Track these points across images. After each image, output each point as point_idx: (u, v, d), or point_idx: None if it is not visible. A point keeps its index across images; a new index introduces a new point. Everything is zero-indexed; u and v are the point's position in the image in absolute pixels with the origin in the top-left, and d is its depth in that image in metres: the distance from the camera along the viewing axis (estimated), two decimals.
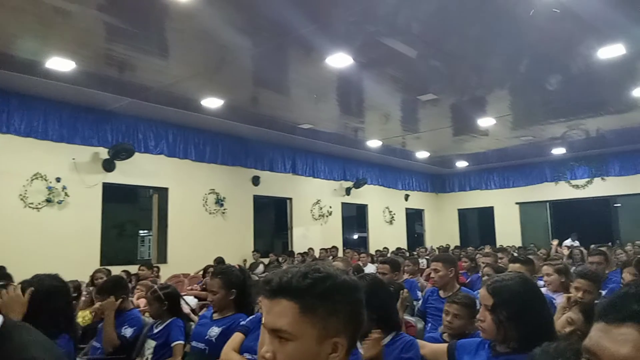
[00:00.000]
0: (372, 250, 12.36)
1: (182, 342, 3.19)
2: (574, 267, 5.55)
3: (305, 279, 1.03)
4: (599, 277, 3.48)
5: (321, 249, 10.91)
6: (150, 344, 3.28)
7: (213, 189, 10.13)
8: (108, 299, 3.41)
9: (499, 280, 1.85)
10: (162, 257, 9.24)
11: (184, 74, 7.02)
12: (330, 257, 9.76)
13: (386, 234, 14.87)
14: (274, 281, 1.05)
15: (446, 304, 2.87)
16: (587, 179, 14.22)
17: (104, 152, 8.48)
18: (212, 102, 8.20)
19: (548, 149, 12.99)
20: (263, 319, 1.06)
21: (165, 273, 8.14)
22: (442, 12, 5.50)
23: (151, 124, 9.19)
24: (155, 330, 3.34)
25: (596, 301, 2.89)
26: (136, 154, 8.65)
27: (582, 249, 8.76)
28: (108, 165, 8.51)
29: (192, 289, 6.26)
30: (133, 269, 7.53)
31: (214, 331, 2.86)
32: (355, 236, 15.62)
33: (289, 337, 1.01)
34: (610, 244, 9.09)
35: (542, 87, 8.11)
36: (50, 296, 2.23)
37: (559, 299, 3.49)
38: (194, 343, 2.99)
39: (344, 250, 11.94)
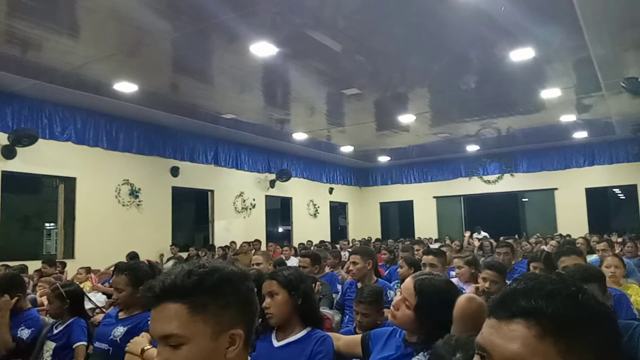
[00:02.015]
0: (296, 244, 12.38)
1: (84, 343, 3.02)
2: (483, 258, 5.87)
3: (191, 276, 0.99)
4: (505, 268, 3.67)
5: (243, 243, 10.74)
6: (50, 345, 3.08)
7: (127, 180, 9.57)
8: (2, 298, 3.12)
9: (427, 279, 1.86)
10: (70, 252, 8.61)
11: (95, 55, 6.55)
12: (253, 251, 9.63)
13: (310, 227, 14.96)
14: (156, 286, 1.00)
15: (355, 302, 2.90)
16: (497, 175, 15.21)
17: (3, 138, 7.74)
18: (126, 87, 7.72)
19: (463, 145, 13.70)
20: (150, 327, 1.01)
21: (73, 269, 7.59)
22: (366, 8, 5.58)
23: (58, 108, 8.49)
24: (56, 331, 3.14)
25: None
26: (40, 140, 7.98)
27: (491, 240, 9.33)
28: (8, 152, 7.79)
29: (94, 286, 5.87)
30: (38, 264, 7.03)
31: (119, 331, 2.71)
32: (280, 229, 15.58)
33: (181, 341, 0.96)
34: (516, 236, 9.78)
35: (459, 87, 8.51)
36: None
37: (468, 289, 3.65)
38: (97, 344, 2.82)
39: (267, 244, 11.85)
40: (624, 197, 14.66)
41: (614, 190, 14.83)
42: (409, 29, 6.13)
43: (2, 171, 7.80)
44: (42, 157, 8.23)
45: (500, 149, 14.19)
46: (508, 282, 3.66)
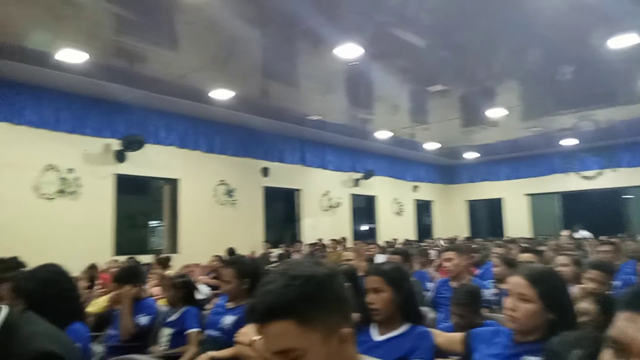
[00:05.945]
0: (380, 241, 12.41)
1: (197, 329, 3.23)
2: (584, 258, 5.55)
3: (289, 290, 0.98)
4: (612, 268, 3.48)
5: (330, 240, 10.96)
6: (166, 331, 3.34)
7: (223, 180, 10.18)
8: (125, 288, 3.44)
9: (537, 270, 1.86)
10: (173, 248, 9.34)
11: (193, 65, 7.04)
12: (340, 248, 9.82)
13: (395, 225, 14.89)
14: (259, 307, 1.00)
15: (451, 303, 2.89)
16: (597, 170, 14.10)
17: (115, 143, 8.48)
18: (222, 94, 8.21)
19: (558, 139, 12.90)
20: (263, 345, 1.02)
21: (177, 263, 8.22)
22: (450, 2, 5.49)
23: (162, 115, 9.20)
24: (171, 319, 3.39)
25: (607, 292, 2.91)
26: (147, 145, 8.65)
27: (590, 240, 8.73)
28: (120, 156, 8.54)
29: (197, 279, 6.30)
30: (144, 258, 7.65)
31: (228, 320, 2.89)
32: (365, 227, 15.66)
33: (299, 354, 0.98)
34: (621, 234, 9.07)
35: (552, 78, 8.05)
36: (47, 286, 2.16)
37: (572, 290, 3.51)
38: (208, 331, 3.03)
39: (353, 241, 11.99)
40: None
41: None
42: (496, 21, 5.92)
43: (115, 174, 8.55)
44: (149, 161, 8.94)
45: (600, 142, 13.15)
46: (614, 283, 3.47)
